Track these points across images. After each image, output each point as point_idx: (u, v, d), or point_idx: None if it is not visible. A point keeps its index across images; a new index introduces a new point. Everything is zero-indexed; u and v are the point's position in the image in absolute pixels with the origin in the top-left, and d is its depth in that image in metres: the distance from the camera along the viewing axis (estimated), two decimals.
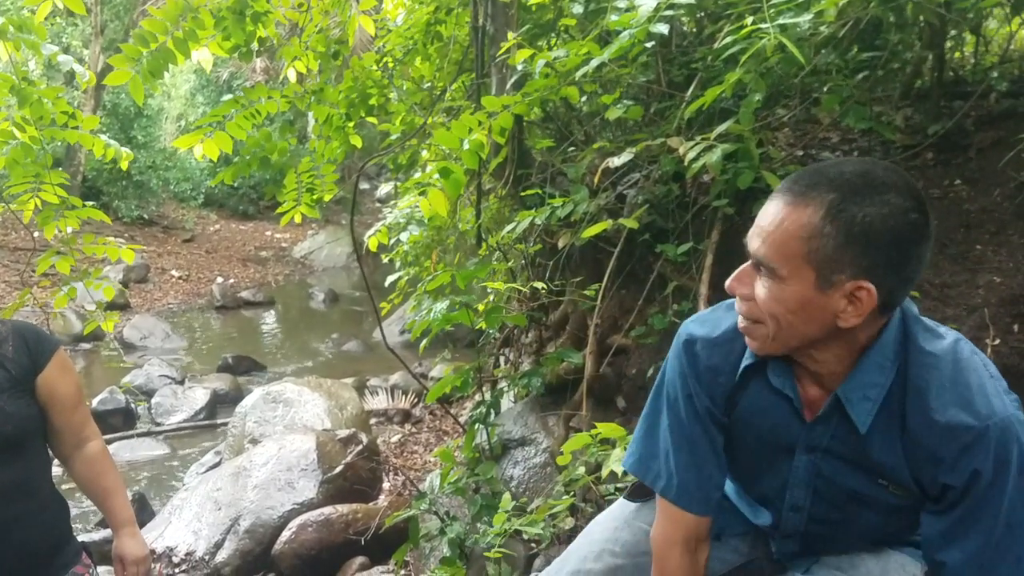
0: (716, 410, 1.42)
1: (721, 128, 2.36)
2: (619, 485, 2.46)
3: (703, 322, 1.45)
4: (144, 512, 4.79)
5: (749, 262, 1.26)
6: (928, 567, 1.35)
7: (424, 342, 3.42)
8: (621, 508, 1.71)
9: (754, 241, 1.22)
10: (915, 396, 1.23)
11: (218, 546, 4.05)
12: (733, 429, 1.46)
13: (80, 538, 2.07)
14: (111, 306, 3.84)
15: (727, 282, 1.29)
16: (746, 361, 1.37)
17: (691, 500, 1.47)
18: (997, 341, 2.26)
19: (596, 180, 2.72)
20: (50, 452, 2.00)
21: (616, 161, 2.53)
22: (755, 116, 2.51)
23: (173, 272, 13.74)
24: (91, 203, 3.57)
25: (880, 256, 1.15)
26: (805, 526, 1.47)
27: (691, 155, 2.32)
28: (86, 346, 9.38)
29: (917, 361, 1.24)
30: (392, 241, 4.59)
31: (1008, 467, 1.19)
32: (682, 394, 1.44)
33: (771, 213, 1.21)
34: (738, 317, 1.32)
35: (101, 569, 2.11)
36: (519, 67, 3.01)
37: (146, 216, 15.33)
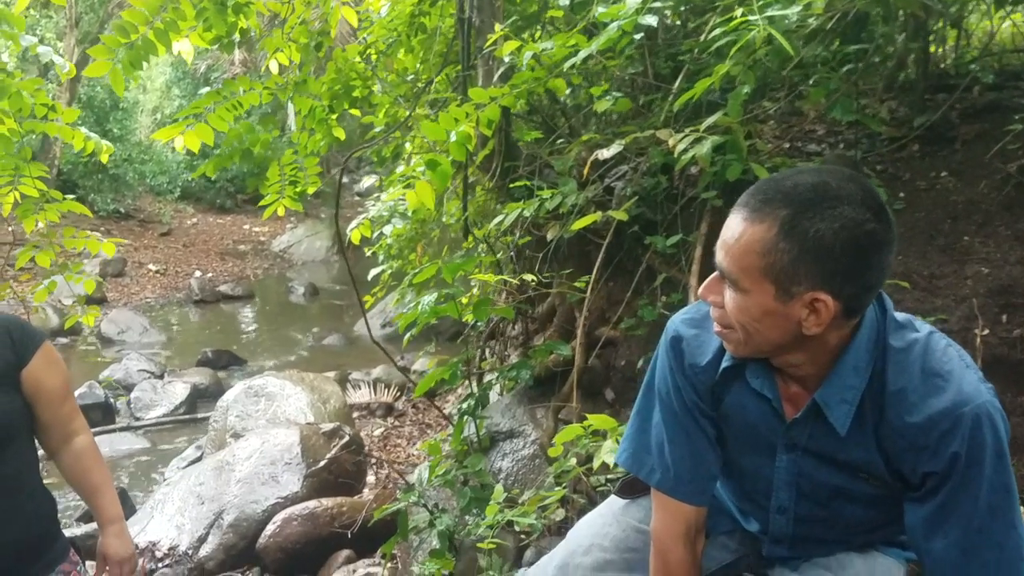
0: (704, 404, 1.45)
1: (710, 120, 2.37)
2: (610, 477, 2.47)
3: (689, 320, 1.47)
4: (125, 507, 4.73)
5: (717, 272, 1.29)
6: (915, 555, 1.37)
7: (408, 335, 3.40)
8: (610, 505, 1.74)
9: (719, 254, 1.26)
10: (893, 394, 1.26)
11: (202, 540, 4.02)
12: (720, 429, 1.49)
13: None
14: (88, 300, 3.79)
15: (699, 290, 1.34)
16: (725, 363, 1.40)
17: (686, 491, 1.49)
18: (986, 331, 2.28)
19: (585, 172, 2.72)
20: (38, 447, 1.97)
21: (605, 153, 2.53)
22: (743, 108, 2.52)
23: (150, 266, 13.61)
24: (70, 196, 3.52)
25: (835, 267, 1.17)
26: (793, 528, 1.49)
27: (681, 147, 2.32)
28: (63, 341, 9.28)
29: (892, 359, 1.27)
30: (375, 234, 4.56)
31: (984, 450, 1.21)
32: (672, 388, 1.46)
33: (732, 228, 1.24)
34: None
35: (87, 565, 2.08)
36: (506, 59, 3.00)
37: (122, 210, 15.18)
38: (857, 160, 3.08)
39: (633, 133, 2.64)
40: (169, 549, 4.04)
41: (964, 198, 2.80)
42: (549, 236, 3.01)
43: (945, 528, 1.26)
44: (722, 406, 1.44)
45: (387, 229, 4.54)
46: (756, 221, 1.20)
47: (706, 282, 1.32)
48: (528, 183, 3.09)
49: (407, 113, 3.82)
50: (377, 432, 6.13)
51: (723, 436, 1.49)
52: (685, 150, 2.34)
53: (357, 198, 14.98)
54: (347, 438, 4.69)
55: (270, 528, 3.87)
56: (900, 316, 1.32)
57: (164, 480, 5.47)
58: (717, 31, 2.30)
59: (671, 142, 2.38)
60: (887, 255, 1.20)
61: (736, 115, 2.44)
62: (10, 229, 12.09)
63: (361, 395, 6.82)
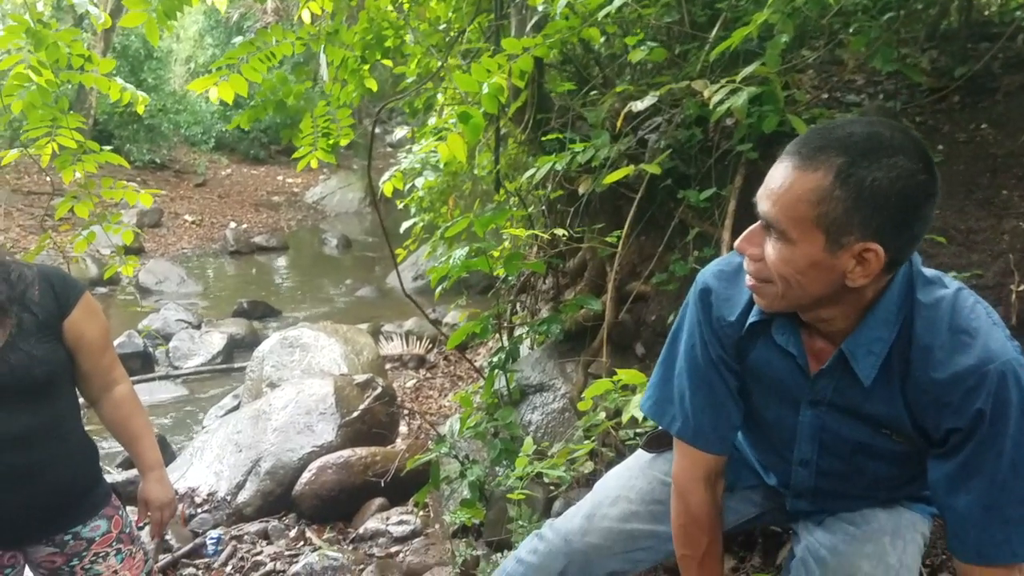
0: (728, 357, 1.46)
1: (748, 70, 2.31)
2: (638, 431, 2.48)
3: (719, 273, 1.46)
4: (165, 453, 4.86)
5: (758, 223, 1.26)
6: (939, 511, 1.38)
7: (440, 288, 3.42)
8: (637, 458, 1.77)
9: (763, 203, 1.23)
10: (919, 350, 1.26)
11: (239, 487, 4.12)
12: (743, 382, 1.50)
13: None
14: (127, 250, 3.85)
15: (736, 242, 1.31)
16: (752, 318, 1.40)
17: (706, 441, 1.52)
18: (1022, 287, 2.24)
19: (618, 124, 2.68)
20: (79, 396, 2.02)
21: (639, 105, 2.49)
22: (781, 58, 2.46)
23: (186, 217, 13.76)
24: (106, 147, 3.55)
25: (888, 218, 1.16)
26: (815, 481, 1.51)
27: (716, 98, 2.28)
28: (103, 291, 9.46)
29: (920, 315, 1.26)
30: (407, 187, 4.56)
31: (1008, 407, 1.21)
32: (698, 340, 1.47)
33: (780, 176, 1.21)
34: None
35: (128, 510, 2.15)
36: (539, 8, 2.95)
37: (158, 160, 15.30)
38: (896, 111, 3.00)
39: (668, 84, 2.59)
40: (208, 495, 4.15)
41: (1004, 151, 2.72)
42: (581, 190, 2.98)
43: (968, 484, 1.27)
44: (747, 361, 1.45)
45: (419, 181, 4.54)
46: (809, 169, 1.17)
47: (745, 233, 1.29)
48: (561, 135, 3.05)
49: (439, 64, 3.78)
50: (409, 384, 6.20)
51: (747, 389, 1.50)
52: (721, 101, 2.30)
53: (389, 149, 14.96)
54: (380, 389, 4.75)
55: (306, 476, 3.95)
56: (929, 272, 1.32)
57: (202, 428, 5.59)
58: None
59: (707, 93, 2.33)
60: (933, 207, 1.19)
61: (774, 65, 2.39)
62: (48, 180, 12.28)
63: (393, 347, 6.89)
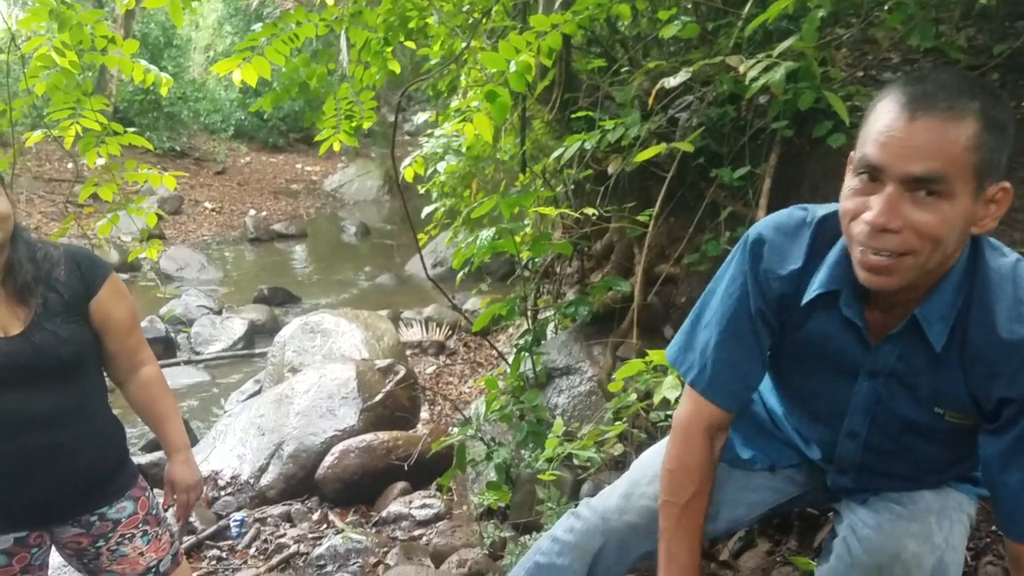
0: (768, 312, 1.42)
1: (784, 45, 2.26)
2: (669, 412, 2.44)
3: (779, 226, 1.41)
4: (188, 437, 4.87)
5: (891, 190, 1.15)
6: (989, 490, 1.35)
7: (462, 273, 3.39)
8: None
9: (914, 164, 1.13)
10: (980, 313, 1.24)
11: (263, 470, 4.12)
12: (794, 351, 1.46)
13: None
14: (149, 236, 3.86)
15: (875, 218, 1.16)
16: (818, 290, 1.35)
17: (718, 394, 1.49)
18: None
19: (650, 103, 2.63)
20: (105, 377, 2.01)
21: (672, 81, 2.44)
22: (817, 34, 2.40)
23: (206, 204, 13.82)
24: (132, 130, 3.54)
25: (1010, 153, 1.17)
26: (861, 456, 1.47)
27: (752, 74, 2.23)
28: (124, 276, 9.49)
29: (985, 279, 1.24)
30: (428, 172, 4.53)
31: None
32: (738, 290, 1.43)
33: (924, 130, 1.13)
34: (863, 257, 1.21)
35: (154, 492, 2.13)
36: None
37: (178, 148, 15.37)
38: None
39: (701, 60, 2.54)
40: (231, 478, 4.15)
41: None
42: (610, 170, 2.94)
43: (1022, 460, 1.25)
44: (802, 331, 1.41)
45: (441, 166, 4.51)
46: (958, 119, 1.13)
47: (884, 206, 1.15)
48: (590, 113, 3.01)
49: (464, 45, 3.73)
50: (429, 370, 6.19)
51: (795, 361, 1.47)
52: (756, 77, 2.25)
53: (408, 137, 14.93)
54: (402, 374, 4.74)
55: (328, 459, 3.94)
56: (991, 239, 1.29)
57: (225, 412, 5.61)
58: None
59: (742, 69, 2.28)
60: None
61: (811, 40, 2.33)
62: (69, 167, 12.36)
63: (413, 333, 6.88)
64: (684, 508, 1.49)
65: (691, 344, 1.52)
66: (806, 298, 1.36)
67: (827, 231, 1.34)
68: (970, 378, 1.27)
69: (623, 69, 3.31)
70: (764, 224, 1.43)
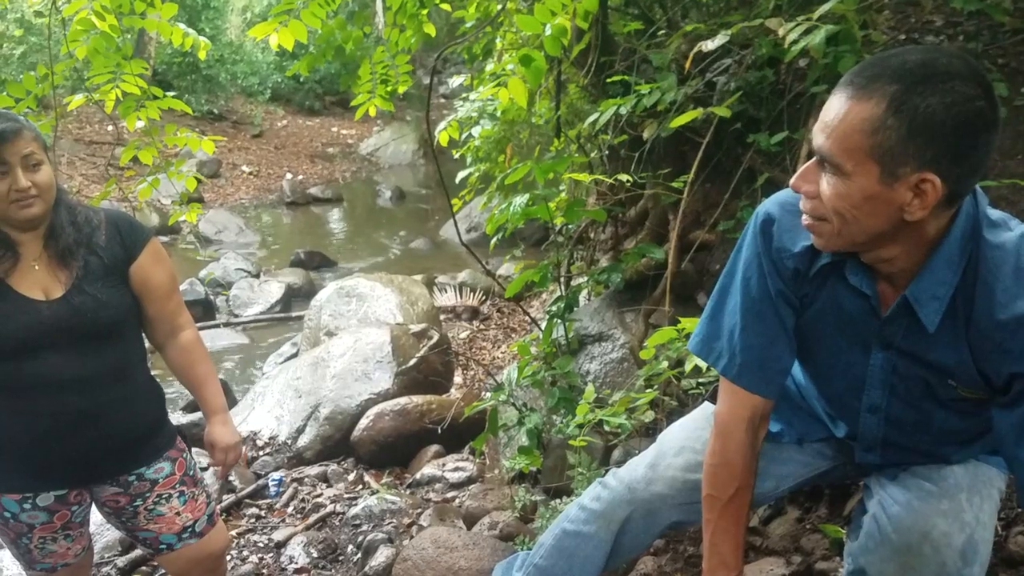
0: (787, 291, 1.41)
1: (824, 7, 2.20)
2: (701, 381, 2.44)
3: (784, 204, 1.41)
4: (227, 399, 4.95)
5: (813, 159, 1.24)
6: (1007, 464, 1.35)
7: (496, 238, 3.38)
8: (703, 410, 1.74)
9: (818, 137, 1.20)
10: (983, 290, 1.22)
11: (300, 431, 4.20)
12: (809, 325, 1.45)
13: None
14: (188, 199, 3.91)
15: (791, 180, 1.28)
16: (824, 260, 1.35)
17: (752, 380, 1.48)
18: None
19: (686, 66, 2.59)
20: (145, 340, 2.05)
21: (710, 44, 2.40)
22: None
23: (244, 167, 13.94)
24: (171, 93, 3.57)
25: (945, 146, 1.12)
26: (884, 431, 1.46)
27: (792, 37, 2.18)
28: (164, 239, 9.65)
29: (985, 255, 1.22)
30: (463, 136, 4.50)
31: None
32: (755, 273, 1.43)
33: (834, 107, 1.18)
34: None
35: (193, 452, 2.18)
36: None
37: (215, 111, 15.46)
38: (978, 52, 2.85)
39: (739, 23, 2.49)
40: (269, 439, 4.24)
41: None
42: (645, 135, 2.90)
43: None
44: (816, 303, 1.41)
45: (475, 131, 4.48)
46: (862, 99, 1.14)
47: (800, 171, 1.27)
48: (626, 77, 2.97)
49: (499, 7, 3.69)
50: (463, 335, 6.22)
51: (811, 336, 1.46)
52: (796, 40, 2.20)
53: (443, 100, 14.88)
54: (436, 338, 4.78)
55: (363, 422, 4.00)
56: (995, 214, 1.27)
57: (263, 374, 5.70)
58: None
59: (781, 31, 2.23)
60: (994, 136, 1.14)
61: (852, 3, 2.27)
62: (109, 129, 12.50)
63: (447, 298, 6.92)
64: (727, 503, 1.50)
65: (716, 333, 1.51)
66: (814, 268, 1.37)
67: None
68: (978, 354, 1.26)
69: (660, 32, 3.25)
70: (771, 203, 1.43)
